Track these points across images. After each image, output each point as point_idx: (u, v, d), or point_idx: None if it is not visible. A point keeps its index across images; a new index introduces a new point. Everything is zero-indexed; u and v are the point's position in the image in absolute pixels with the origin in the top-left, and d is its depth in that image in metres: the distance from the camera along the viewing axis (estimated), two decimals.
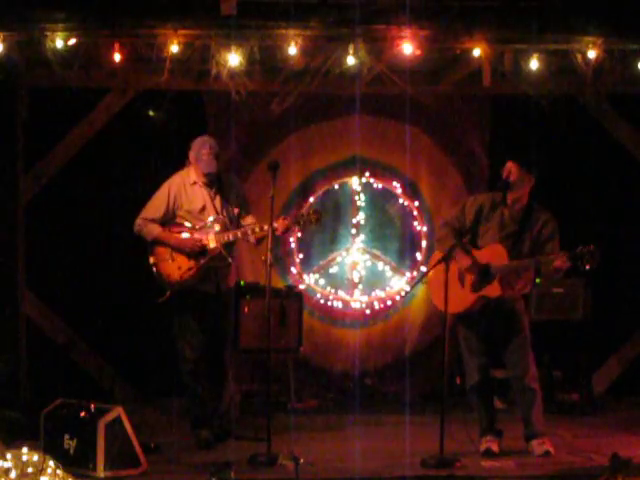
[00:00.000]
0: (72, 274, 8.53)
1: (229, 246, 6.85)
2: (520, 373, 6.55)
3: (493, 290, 6.39)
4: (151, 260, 6.84)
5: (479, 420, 6.66)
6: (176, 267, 6.78)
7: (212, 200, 6.88)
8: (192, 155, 6.87)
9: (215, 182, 6.91)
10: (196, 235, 6.82)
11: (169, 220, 6.88)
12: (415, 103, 8.62)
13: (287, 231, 6.81)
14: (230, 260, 6.85)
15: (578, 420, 7.81)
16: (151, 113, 8.50)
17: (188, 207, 6.86)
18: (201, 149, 6.83)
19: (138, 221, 6.89)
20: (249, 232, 6.76)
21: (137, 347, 8.38)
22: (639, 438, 6.97)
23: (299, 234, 8.93)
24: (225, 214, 6.89)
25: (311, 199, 8.93)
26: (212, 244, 6.78)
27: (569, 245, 6.38)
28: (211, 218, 6.84)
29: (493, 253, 6.44)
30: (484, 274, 6.41)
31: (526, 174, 6.50)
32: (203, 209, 6.86)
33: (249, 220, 6.94)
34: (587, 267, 6.11)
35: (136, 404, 8.02)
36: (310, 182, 8.97)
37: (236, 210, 6.94)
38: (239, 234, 6.79)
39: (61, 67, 7.38)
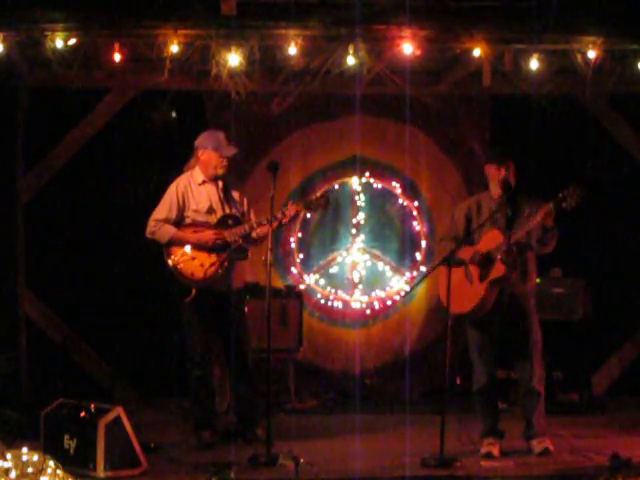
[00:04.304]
0: (72, 274, 8.53)
1: (246, 238, 6.79)
2: (528, 375, 6.54)
3: (497, 271, 6.38)
4: (170, 262, 6.73)
5: (482, 421, 6.65)
6: (198, 264, 6.72)
7: (221, 197, 6.86)
8: (211, 145, 6.81)
9: (220, 179, 6.90)
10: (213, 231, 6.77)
11: (179, 221, 6.83)
12: (415, 103, 8.60)
13: (297, 216, 6.78)
14: (249, 252, 6.82)
15: (578, 420, 7.80)
16: (146, 114, 8.50)
17: (195, 207, 6.83)
18: (218, 136, 6.85)
19: (151, 223, 6.80)
20: (264, 221, 6.70)
21: (137, 347, 8.38)
22: (639, 438, 6.97)
23: (299, 234, 8.93)
24: (235, 210, 6.87)
25: None
26: (230, 238, 6.75)
27: (569, 244, 6.41)
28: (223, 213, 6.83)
29: (489, 239, 6.48)
30: (487, 262, 6.43)
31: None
32: (210, 208, 6.84)
33: (253, 218, 6.94)
34: (573, 205, 6.15)
35: (136, 404, 8.03)
36: (310, 182, 8.97)
37: (241, 208, 6.94)
38: (254, 225, 6.77)
39: (61, 67, 7.38)
